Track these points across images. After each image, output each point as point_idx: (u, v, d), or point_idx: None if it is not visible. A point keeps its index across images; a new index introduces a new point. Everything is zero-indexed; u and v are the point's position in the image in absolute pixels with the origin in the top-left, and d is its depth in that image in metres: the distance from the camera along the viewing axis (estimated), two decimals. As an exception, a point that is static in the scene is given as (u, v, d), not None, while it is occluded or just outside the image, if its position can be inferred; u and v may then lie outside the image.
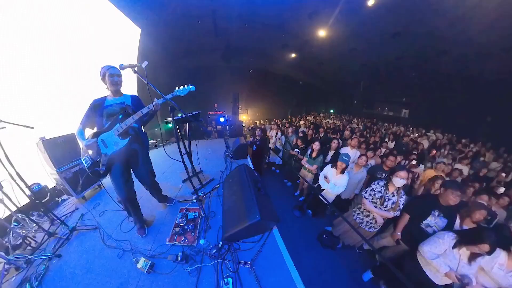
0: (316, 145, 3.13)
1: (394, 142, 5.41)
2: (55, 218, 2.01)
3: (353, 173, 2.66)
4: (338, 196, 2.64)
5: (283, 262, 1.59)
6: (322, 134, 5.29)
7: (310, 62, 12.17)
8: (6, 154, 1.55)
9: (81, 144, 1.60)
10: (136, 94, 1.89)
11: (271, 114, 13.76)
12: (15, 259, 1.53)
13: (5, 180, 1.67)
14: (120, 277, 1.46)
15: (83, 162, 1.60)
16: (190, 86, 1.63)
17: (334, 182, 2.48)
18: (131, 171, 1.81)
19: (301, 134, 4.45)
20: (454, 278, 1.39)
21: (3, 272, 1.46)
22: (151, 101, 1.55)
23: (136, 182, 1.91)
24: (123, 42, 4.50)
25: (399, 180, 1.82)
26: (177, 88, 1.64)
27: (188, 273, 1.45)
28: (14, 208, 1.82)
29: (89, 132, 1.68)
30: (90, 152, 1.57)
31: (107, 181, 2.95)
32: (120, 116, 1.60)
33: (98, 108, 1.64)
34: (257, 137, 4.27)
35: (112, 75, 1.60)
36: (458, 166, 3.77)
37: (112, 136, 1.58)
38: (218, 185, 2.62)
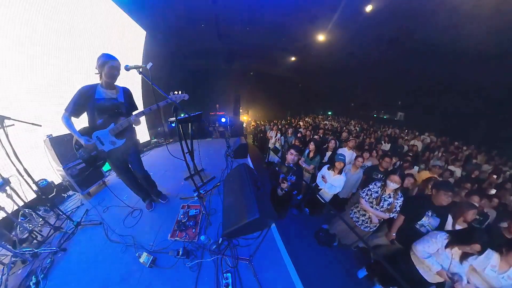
0: (312, 145, 3.17)
1: (389, 144, 5.50)
2: (61, 213, 2.06)
3: (351, 174, 2.73)
4: (336, 195, 2.69)
5: (281, 258, 1.64)
6: (321, 136, 5.37)
7: (309, 65, 12.33)
8: (14, 151, 1.59)
9: (75, 136, 1.56)
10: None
11: (271, 115, 13.88)
12: (22, 252, 1.57)
13: (13, 175, 1.71)
14: (123, 271, 1.50)
15: (78, 155, 1.60)
16: (184, 94, 1.65)
17: (331, 182, 2.53)
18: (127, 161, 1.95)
19: (298, 135, 4.48)
20: (446, 276, 1.42)
21: (10, 265, 1.50)
22: (155, 101, 1.59)
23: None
24: (129, 43, 4.58)
25: (391, 184, 1.87)
26: (171, 93, 1.61)
27: (189, 268, 1.50)
28: (21, 203, 1.85)
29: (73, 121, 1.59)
30: (86, 147, 1.57)
31: (110, 178, 3.01)
32: (114, 116, 1.61)
33: (89, 100, 1.55)
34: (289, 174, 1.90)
35: (112, 68, 1.52)
36: (451, 168, 3.83)
37: (108, 134, 1.62)
38: (218, 183, 2.68)
